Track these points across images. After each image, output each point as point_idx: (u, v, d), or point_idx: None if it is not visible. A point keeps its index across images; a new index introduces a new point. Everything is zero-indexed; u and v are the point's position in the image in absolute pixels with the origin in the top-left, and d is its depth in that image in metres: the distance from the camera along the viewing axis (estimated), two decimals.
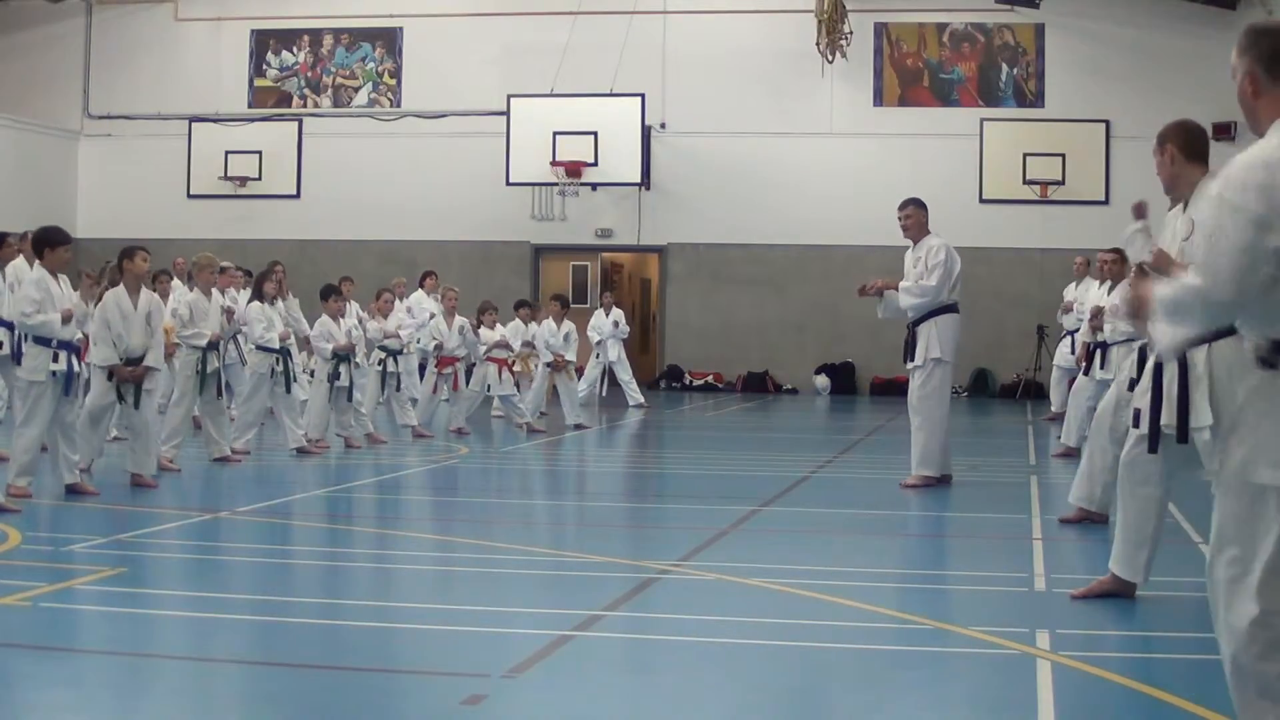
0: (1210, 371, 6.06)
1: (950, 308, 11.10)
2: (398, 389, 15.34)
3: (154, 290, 13.91)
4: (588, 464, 14.34)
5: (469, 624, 6.19)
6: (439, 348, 15.75)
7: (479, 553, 8.10)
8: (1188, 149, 6.33)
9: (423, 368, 17.10)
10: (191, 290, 12.71)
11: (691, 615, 6.42)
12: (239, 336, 14.15)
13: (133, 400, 10.25)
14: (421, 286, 19.23)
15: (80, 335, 9.89)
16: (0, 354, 11.11)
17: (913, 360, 11.07)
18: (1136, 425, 6.55)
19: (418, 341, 17.22)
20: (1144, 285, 3.93)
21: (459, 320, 15.73)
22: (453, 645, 5.87)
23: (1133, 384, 8.20)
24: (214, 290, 12.40)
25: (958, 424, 19.77)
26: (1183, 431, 6.20)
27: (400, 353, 15.61)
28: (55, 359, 9.56)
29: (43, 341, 9.59)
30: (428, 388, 16.22)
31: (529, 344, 16.59)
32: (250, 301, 13.21)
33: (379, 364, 15.07)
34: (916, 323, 11.07)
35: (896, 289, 11.09)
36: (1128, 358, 8.54)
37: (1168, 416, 6.22)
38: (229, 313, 12.74)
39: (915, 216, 11.19)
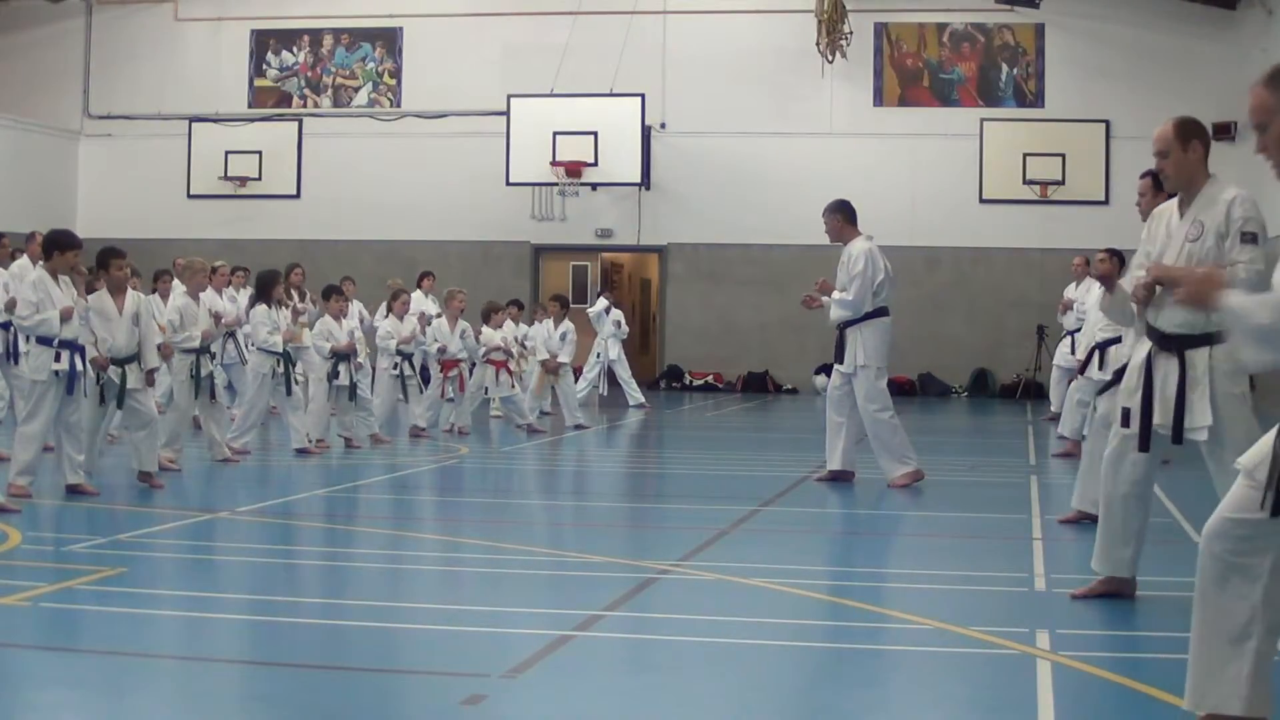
0: (1211, 373, 6.09)
1: (877, 313, 11.13)
2: (420, 391, 15.35)
3: (154, 291, 14.02)
4: (588, 464, 14.33)
5: (470, 624, 6.19)
6: (442, 350, 15.73)
7: (479, 552, 8.10)
8: (1209, 149, 6.31)
9: (424, 369, 17.08)
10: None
11: (691, 615, 6.42)
12: (238, 336, 14.14)
13: (115, 401, 10.18)
14: (419, 287, 19.18)
15: (83, 335, 9.84)
16: None
17: (841, 364, 11.13)
18: (1126, 425, 6.48)
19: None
20: (1212, 279, 3.91)
21: (461, 324, 15.73)
22: (453, 645, 5.87)
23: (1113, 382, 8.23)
24: (202, 294, 12.36)
25: (958, 424, 19.86)
26: (1178, 432, 6.20)
27: (412, 356, 15.58)
28: (58, 358, 9.57)
29: (45, 341, 9.60)
30: (434, 391, 16.22)
31: (520, 343, 16.62)
32: (255, 305, 13.15)
33: (395, 367, 15.06)
34: (845, 325, 11.15)
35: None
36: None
37: (1161, 416, 6.20)
38: (216, 316, 12.69)
39: (830, 222, 11.41)
